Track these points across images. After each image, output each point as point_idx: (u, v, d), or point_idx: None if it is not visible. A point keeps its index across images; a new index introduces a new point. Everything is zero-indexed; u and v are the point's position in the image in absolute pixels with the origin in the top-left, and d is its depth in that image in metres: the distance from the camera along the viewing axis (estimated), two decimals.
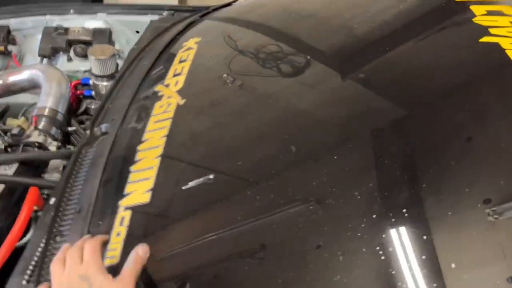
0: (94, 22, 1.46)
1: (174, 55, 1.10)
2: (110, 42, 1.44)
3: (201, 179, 0.70)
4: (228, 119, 0.86)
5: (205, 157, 0.78)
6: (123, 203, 0.74)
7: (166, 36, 1.22)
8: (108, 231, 0.70)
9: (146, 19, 1.47)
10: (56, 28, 1.41)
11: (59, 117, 1.15)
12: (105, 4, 1.84)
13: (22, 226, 0.82)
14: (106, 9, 1.55)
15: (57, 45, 1.39)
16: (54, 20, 1.47)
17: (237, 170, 0.72)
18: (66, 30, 1.41)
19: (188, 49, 1.11)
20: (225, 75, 0.92)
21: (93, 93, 1.28)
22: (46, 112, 1.12)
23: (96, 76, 1.26)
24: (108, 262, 0.65)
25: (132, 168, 0.80)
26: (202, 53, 1.05)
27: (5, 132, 1.10)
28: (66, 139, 1.17)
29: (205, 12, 1.39)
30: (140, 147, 0.83)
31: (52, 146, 1.07)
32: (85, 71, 1.38)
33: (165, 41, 1.17)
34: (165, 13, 1.54)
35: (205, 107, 0.90)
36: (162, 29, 1.31)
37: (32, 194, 0.87)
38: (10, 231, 0.80)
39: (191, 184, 0.70)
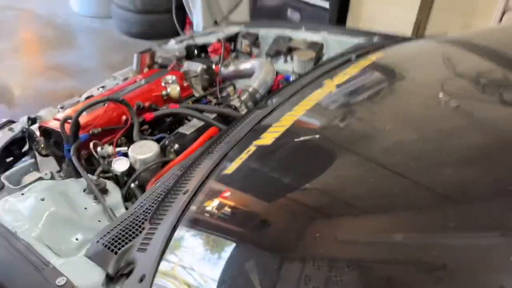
0: (315, 36, 1.78)
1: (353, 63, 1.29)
2: (320, 54, 1.73)
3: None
4: (430, 132, 0.87)
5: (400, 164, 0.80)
6: (256, 142, 0.98)
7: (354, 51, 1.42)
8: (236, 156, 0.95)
9: (357, 41, 1.70)
10: (284, 37, 1.81)
11: (257, 96, 1.50)
12: (332, 26, 2.17)
13: (193, 148, 1.16)
14: (329, 29, 1.85)
15: (280, 49, 1.77)
16: (286, 32, 1.87)
17: (438, 185, 0.71)
18: (290, 39, 1.79)
19: (368, 60, 1.28)
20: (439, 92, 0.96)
21: None
22: (250, 89, 1.49)
23: (296, 74, 1.56)
24: None
25: (274, 124, 1.03)
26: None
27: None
28: None
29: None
30: (286, 114, 1.06)
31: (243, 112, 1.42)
32: (292, 72, 1.72)
33: (353, 54, 1.36)
34: (375, 38, 1.73)
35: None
36: (361, 47, 1.51)
37: (212, 130, 1.22)
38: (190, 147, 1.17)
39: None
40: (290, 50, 1.78)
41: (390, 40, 1.66)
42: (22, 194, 1.05)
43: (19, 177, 1.29)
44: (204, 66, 1.65)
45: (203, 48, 1.93)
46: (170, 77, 1.51)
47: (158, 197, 0.95)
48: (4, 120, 1.46)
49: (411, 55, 1.35)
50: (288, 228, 0.74)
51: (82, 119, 1.25)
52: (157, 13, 3.57)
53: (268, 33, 1.98)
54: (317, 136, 0.91)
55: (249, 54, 1.98)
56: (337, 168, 0.86)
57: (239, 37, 2.01)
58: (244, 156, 0.95)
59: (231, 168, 0.93)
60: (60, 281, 0.80)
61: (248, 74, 1.69)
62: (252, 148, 0.96)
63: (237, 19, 3.12)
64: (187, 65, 1.68)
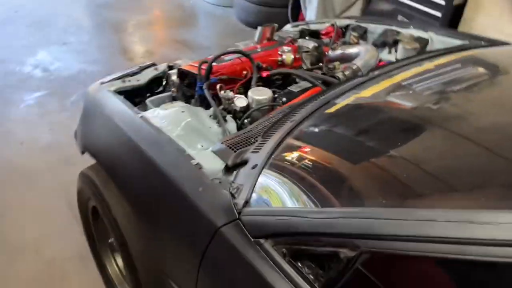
0: (421, 33, 1.92)
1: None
2: (424, 48, 1.87)
3: None
4: None
5: None
6: (355, 95, 1.19)
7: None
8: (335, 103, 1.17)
9: (459, 43, 1.81)
10: (392, 30, 1.97)
11: (359, 74, 1.69)
12: (439, 27, 2.26)
13: (300, 99, 1.39)
14: (436, 30, 1.98)
15: (386, 40, 1.94)
16: (395, 28, 2.03)
17: None
18: (398, 33, 1.95)
19: (469, 53, 1.42)
20: None
21: None
22: (354, 67, 1.69)
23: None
24: None
25: (374, 86, 1.23)
26: None
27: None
28: None
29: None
30: (385, 80, 1.25)
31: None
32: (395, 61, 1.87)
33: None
34: (482, 42, 1.82)
35: None
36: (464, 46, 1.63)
37: (316, 89, 1.45)
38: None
39: None
40: (396, 43, 1.94)
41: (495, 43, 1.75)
42: (166, 108, 1.38)
43: (158, 103, 1.64)
44: (316, 44, 1.88)
45: (314, 34, 2.16)
46: (286, 48, 1.77)
47: (270, 123, 1.20)
48: (149, 62, 1.83)
49: None
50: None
51: (214, 67, 1.56)
52: (274, 6, 3.90)
53: (376, 28, 2.15)
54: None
55: (357, 44, 2.16)
56: (424, 140, 1.01)
57: (349, 29, 2.21)
58: (344, 102, 1.16)
59: (332, 109, 1.15)
60: (193, 162, 1.08)
61: (353, 58, 1.88)
62: (351, 98, 1.18)
63: None
64: (301, 41, 1.92)
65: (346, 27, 2.21)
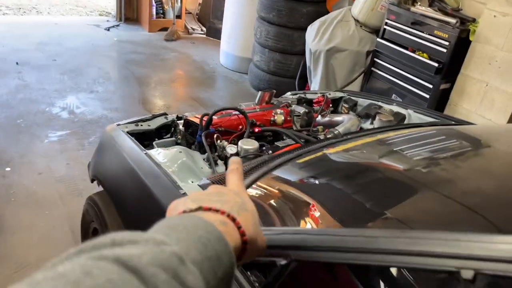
0: (401, 109, 2.19)
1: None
2: (401, 122, 2.12)
3: None
4: None
5: None
6: (325, 151, 1.43)
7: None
8: (307, 156, 1.41)
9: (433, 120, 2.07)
10: (375, 105, 2.25)
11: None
12: (420, 106, 2.53)
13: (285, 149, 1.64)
14: (416, 108, 2.25)
15: (369, 112, 2.22)
16: (380, 104, 2.31)
17: None
18: (380, 107, 2.22)
19: (423, 130, 1.66)
20: None
21: None
22: (335, 132, 1.95)
23: None
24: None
25: (340, 145, 1.48)
26: None
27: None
28: None
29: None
30: (354, 140, 1.50)
31: None
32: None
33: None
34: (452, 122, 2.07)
35: None
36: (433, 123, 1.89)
37: (297, 146, 1.70)
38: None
39: None
40: (374, 116, 2.21)
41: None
42: (167, 148, 1.63)
43: (163, 146, 1.90)
44: (306, 110, 2.16)
45: (309, 102, 2.46)
46: (279, 110, 2.05)
47: (251, 167, 1.44)
48: (162, 112, 2.12)
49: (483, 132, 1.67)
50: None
51: (214, 120, 1.83)
52: (284, 76, 4.29)
53: (365, 102, 2.44)
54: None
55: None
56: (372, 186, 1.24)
57: (341, 101, 2.50)
58: (313, 156, 1.40)
59: (302, 160, 1.39)
60: (181, 191, 1.31)
61: (337, 125, 2.15)
62: (319, 154, 1.42)
63: None
64: (294, 106, 2.21)
65: (340, 98, 2.52)
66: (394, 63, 3.29)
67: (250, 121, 1.90)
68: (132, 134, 1.85)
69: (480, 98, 2.85)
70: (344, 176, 1.24)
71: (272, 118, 2.01)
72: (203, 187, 1.35)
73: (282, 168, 1.35)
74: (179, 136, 2.00)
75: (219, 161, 1.66)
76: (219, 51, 5.23)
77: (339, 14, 3.59)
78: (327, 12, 3.84)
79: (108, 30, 5.95)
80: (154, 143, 1.87)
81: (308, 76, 3.99)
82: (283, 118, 2.00)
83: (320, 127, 1.99)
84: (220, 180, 1.36)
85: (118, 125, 1.90)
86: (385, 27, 3.31)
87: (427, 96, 3.07)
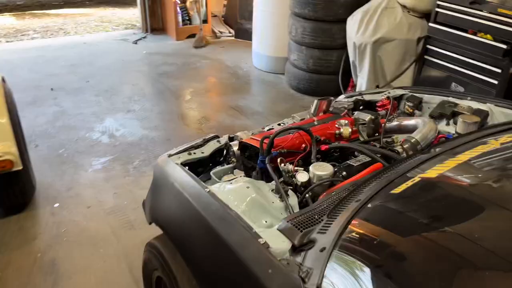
0: (480, 105, 1.91)
1: None
2: (484, 121, 1.85)
3: None
4: None
5: None
6: (420, 175, 1.20)
7: None
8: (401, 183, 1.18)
9: None
10: (449, 102, 1.98)
11: (418, 147, 1.70)
12: (497, 98, 2.22)
13: (360, 175, 1.42)
14: (495, 101, 1.96)
15: (444, 112, 1.95)
16: (451, 99, 2.04)
17: None
18: (456, 104, 1.95)
19: None
20: None
21: None
22: (412, 140, 1.70)
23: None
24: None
25: (437, 165, 1.24)
26: None
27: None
28: None
29: None
30: (450, 159, 1.26)
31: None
32: (454, 133, 1.87)
33: None
34: None
35: None
36: None
37: (377, 165, 1.47)
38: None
39: None
40: (454, 115, 1.94)
41: None
42: (231, 182, 1.44)
43: (221, 176, 1.72)
44: (372, 116, 1.93)
45: (368, 105, 2.22)
46: (343, 121, 1.83)
47: (334, 202, 1.22)
48: (213, 134, 1.94)
49: None
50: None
51: (274, 141, 1.63)
52: (325, 73, 4.04)
53: (432, 99, 2.17)
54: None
55: (411, 116, 2.18)
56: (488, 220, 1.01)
57: (403, 99, 2.24)
58: (409, 183, 1.17)
59: (397, 190, 1.16)
60: (261, 240, 1.12)
61: (410, 130, 1.89)
62: (417, 179, 1.18)
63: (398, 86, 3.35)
64: (357, 114, 1.98)
65: (400, 97, 2.25)
66: (452, 49, 2.98)
67: (315, 138, 1.68)
68: (186, 164, 1.68)
69: None
70: (474, 215, 1.00)
71: (337, 131, 1.78)
72: (285, 231, 1.15)
73: (378, 202, 1.12)
74: (233, 159, 1.81)
75: (289, 191, 1.46)
76: (251, 53, 5.02)
77: (383, 1, 3.30)
78: (367, 1, 3.56)
79: (136, 43, 5.86)
80: (211, 173, 1.69)
81: (352, 71, 3.72)
82: (350, 130, 1.77)
83: (395, 137, 1.75)
84: (301, 222, 1.15)
85: (170, 156, 1.73)
86: (437, 9, 3.01)
87: (495, 82, 2.75)
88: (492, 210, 1.04)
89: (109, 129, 3.49)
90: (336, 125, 1.82)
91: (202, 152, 1.78)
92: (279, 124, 2.08)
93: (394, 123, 1.97)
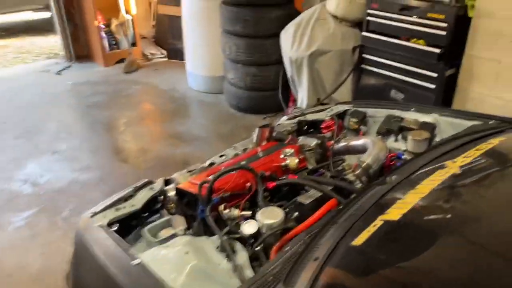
0: (425, 117, 1.83)
1: (473, 146, 1.31)
2: (432, 134, 1.76)
3: None
4: None
5: None
6: (382, 216, 1.04)
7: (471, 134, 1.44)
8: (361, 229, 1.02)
9: (470, 124, 1.71)
10: (395, 117, 1.89)
11: (371, 171, 1.56)
12: (440, 107, 2.18)
13: (315, 218, 1.25)
14: (440, 111, 1.89)
15: (390, 128, 1.85)
16: (396, 113, 1.95)
17: None
18: (402, 119, 1.86)
19: (490, 144, 1.30)
20: None
21: None
22: (363, 165, 1.57)
23: (410, 153, 1.61)
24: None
25: (398, 201, 1.09)
26: None
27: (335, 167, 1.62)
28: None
29: None
30: (410, 192, 1.12)
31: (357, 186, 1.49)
32: (404, 150, 1.76)
33: (469, 137, 1.39)
34: (491, 122, 1.72)
35: None
36: (476, 129, 1.53)
37: (332, 202, 1.30)
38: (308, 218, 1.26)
39: None
40: (401, 130, 1.84)
41: (508, 124, 1.65)
42: (167, 246, 1.21)
43: (156, 232, 1.48)
44: (318, 141, 1.78)
45: (312, 125, 2.08)
46: (288, 150, 1.66)
47: (288, 261, 1.04)
48: (145, 180, 1.70)
49: None
50: None
51: (215, 183, 1.42)
52: (264, 90, 3.90)
53: (376, 112, 2.07)
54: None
55: (357, 132, 2.07)
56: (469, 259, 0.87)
57: (347, 115, 2.13)
58: (371, 229, 1.01)
59: (359, 240, 0.99)
60: None
61: (358, 151, 1.77)
62: (378, 223, 1.02)
63: (339, 97, 3.28)
64: (302, 139, 1.82)
65: (344, 112, 2.14)
66: (387, 56, 2.95)
67: (260, 175, 1.50)
68: (114, 222, 1.43)
69: (493, 79, 2.54)
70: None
71: (283, 163, 1.61)
72: None
73: (338, 264, 0.95)
74: (171, 205, 1.58)
75: (237, 245, 1.25)
76: (185, 74, 4.79)
77: (314, 13, 3.23)
78: (298, 13, 3.47)
79: (60, 73, 5.41)
80: (144, 230, 1.44)
81: (291, 86, 3.62)
82: (297, 160, 1.60)
83: (346, 164, 1.60)
84: None
85: (94, 214, 1.47)
86: (368, 18, 2.97)
87: (433, 87, 2.74)
88: (473, 255, 0.90)
89: (31, 176, 3.09)
90: (282, 156, 1.65)
91: (133, 205, 1.53)
92: (220, 156, 1.88)
93: (342, 144, 1.84)
